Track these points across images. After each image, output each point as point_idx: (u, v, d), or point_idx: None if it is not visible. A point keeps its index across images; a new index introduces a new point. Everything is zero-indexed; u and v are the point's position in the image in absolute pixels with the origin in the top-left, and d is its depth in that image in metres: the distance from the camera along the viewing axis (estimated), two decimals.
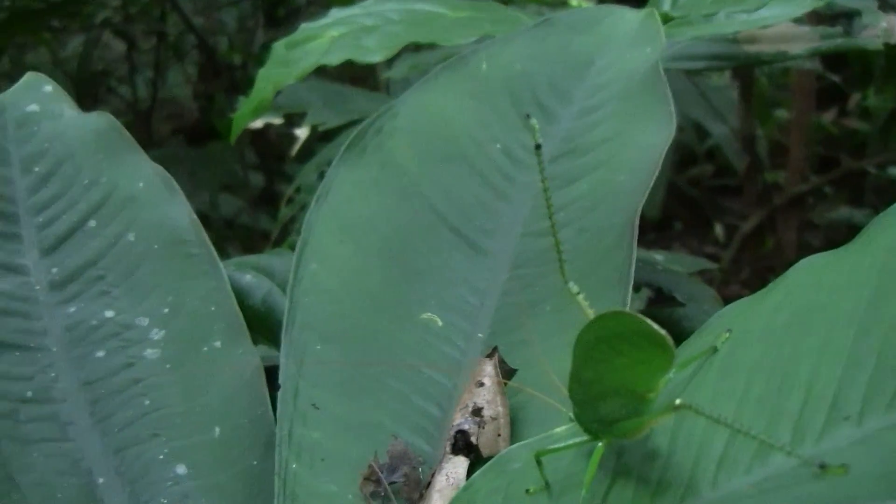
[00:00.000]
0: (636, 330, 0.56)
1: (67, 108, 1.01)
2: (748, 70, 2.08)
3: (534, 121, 0.69)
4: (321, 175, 1.07)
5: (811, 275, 0.66)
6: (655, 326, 0.55)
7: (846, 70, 2.33)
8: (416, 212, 0.95)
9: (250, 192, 2.36)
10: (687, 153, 2.67)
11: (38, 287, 0.92)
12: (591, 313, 0.64)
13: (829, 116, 2.52)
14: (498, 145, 0.98)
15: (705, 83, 2.46)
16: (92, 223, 0.96)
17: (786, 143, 2.22)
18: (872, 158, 2.20)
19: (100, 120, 1.01)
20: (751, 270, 2.01)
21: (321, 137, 1.99)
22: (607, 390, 0.60)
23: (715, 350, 0.66)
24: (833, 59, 2.25)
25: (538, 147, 0.67)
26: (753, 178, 2.14)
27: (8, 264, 0.93)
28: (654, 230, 2.49)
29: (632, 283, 0.83)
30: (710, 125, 2.41)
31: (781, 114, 2.54)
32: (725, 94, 2.50)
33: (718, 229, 2.48)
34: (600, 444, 0.63)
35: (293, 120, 2.02)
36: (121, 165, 0.98)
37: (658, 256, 1.32)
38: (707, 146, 2.64)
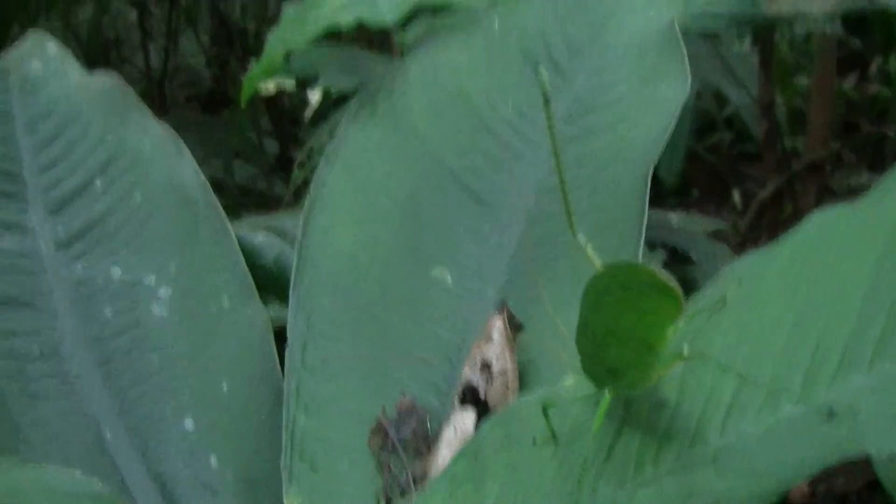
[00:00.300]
0: (644, 280, 0.56)
1: (72, 69, 1.01)
2: (768, 35, 2.07)
3: (543, 71, 0.69)
4: None
5: (824, 228, 0.66)
6: (664, 276, 0.55)
7: (867, 36, 2.32)
8: (427, 170, 0.95)
9: (265, 159, 2.36)
10: (706, 120, 2.66)
11: (44, 246, 0.93)
12: (599, 265, 0.64)
13: (849, 82, 2.50)
14: (510, 104, 0.98)
15: (726, 50, 2.45)
16: (98, 183, 0.96)
17: (805, 110, 2.21)
18: (893, 124, 2.19)
19: (105, 80, 1.01)
20: (769, 237, 2.00)
21: (335, 103, 1.98)
22: (615, 341, 0.60)
23: (725, 301, 0.66)
24: (854, 25, 2.23)
25: (546, 99, 0.66)
26: (772, 145, 2.12)
27: (13, 223, 0.93)
28: (672, 197, 2.49)
29: (643, 239, 0.82)
30: (730, 92, 2.40)
31: (802, 80, 2.53)
32: (746, 60, 2.48)
33: (736, 196, 2.47)
34: (607, 395, 0.63)
35: (307, 86, 2.01)
36: (127, 125, 0.98)
37: (673, 217, 1.31)
38: (727, 113, 2.63)
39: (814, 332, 0.60)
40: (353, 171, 0.94)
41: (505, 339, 0.80)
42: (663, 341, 0.60)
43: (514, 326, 0.81)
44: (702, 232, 1.21)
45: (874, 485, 1.75)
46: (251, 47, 2.45)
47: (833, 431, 0.53)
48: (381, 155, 0.95)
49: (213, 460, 0.83)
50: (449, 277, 0.89)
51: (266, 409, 0.86)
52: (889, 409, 0.52)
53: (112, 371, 0.87)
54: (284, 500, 0.77)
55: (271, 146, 2.50)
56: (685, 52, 0.94)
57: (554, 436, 0.67)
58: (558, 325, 0.69)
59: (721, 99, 2.54)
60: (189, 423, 0.85)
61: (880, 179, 0.67)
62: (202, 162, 0.99)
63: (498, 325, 0.81)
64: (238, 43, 2.53)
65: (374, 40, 2.29)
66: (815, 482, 1.80)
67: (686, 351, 0.57)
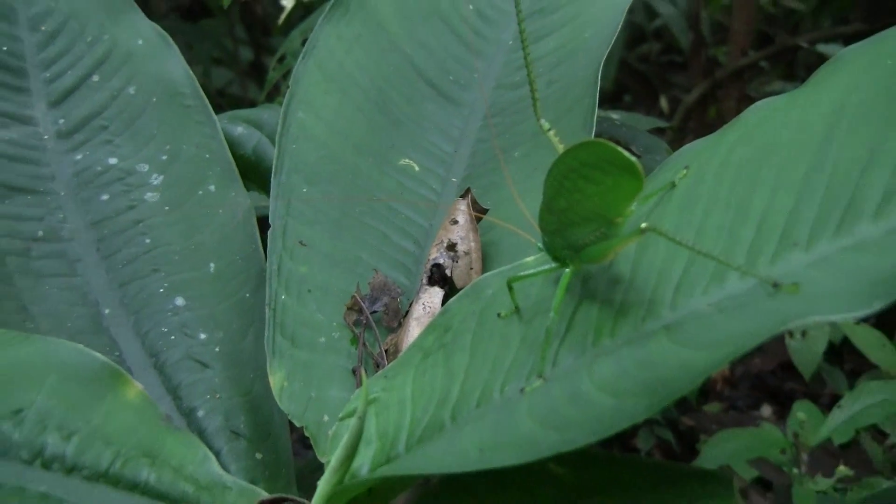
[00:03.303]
0: (607, 158, 0.53)
1: None
2: None
3: None
4: (305, 42, 1.03)
5: (767, 115, 0.64)
6: (626, 153, 0.53)
7: None
8: (396, 66, 0.92)
9: (240, 66, 2.31)
10: (637, 32, 2.63)
11: (46, 136, 0.90)
12: (560, 148, 0.61)
13: None
14: (471, 6, 0.95)
15: None
16: (95, 77, 0.94)
17: (727, 24, 2.18)
18: (804, 35, 2.17)
19: None
20: (695, 137, 1.98)
21: (305, 14, 1.94)
22: (578, 218, 0.58)
23: (673, 185, 0.64)
24: None
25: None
26: (698, 55, 2.10)
27: (17, 115, 0.90)
28: (606, 101, 2.46)
29: (594, 130, 0.80)
30: (659, 5, 2.37)
31: None
32: None
33: (664, 101, 2.45)
34: (568, 270, 0.61)
35: None
36: (121, 23, 0.96)
37: (614, 115, 1.29)
38: (655, 25, 2.60)
39: (756, 212, 0.58)
40: (326, 66, 0.91)
41: (469, 221, 0.78)
42: (623, 216, 0.58)
43: (478, 210, 0.79)
44: (642, 128, 1.19)
45: (786, 365, 1.77)
46: None
47: (778, 304, 0.51)
48: (353, 51, 0.92)
49: (202, 335, 0.81)
50: (416, 166, 0.86)
51: (250, 288, 0.84)
52: (830, 283, 0.51)
53: (109, 251, 0.85)
54: (268, 372, 0.75)
55: (245, 54, 2.45)
56: None
57: (518, 309, 0.65)
58: (519, 204, 0.67)
59: (651, 12, 2.50)
60: (180, 300, 0.82)
61: (814, 72, 0.65)
62: None
63: (463, 209, 0.79)
64: None
65: None
66: (733, 364, 1.81)
67: (643, 225, 0.55)
